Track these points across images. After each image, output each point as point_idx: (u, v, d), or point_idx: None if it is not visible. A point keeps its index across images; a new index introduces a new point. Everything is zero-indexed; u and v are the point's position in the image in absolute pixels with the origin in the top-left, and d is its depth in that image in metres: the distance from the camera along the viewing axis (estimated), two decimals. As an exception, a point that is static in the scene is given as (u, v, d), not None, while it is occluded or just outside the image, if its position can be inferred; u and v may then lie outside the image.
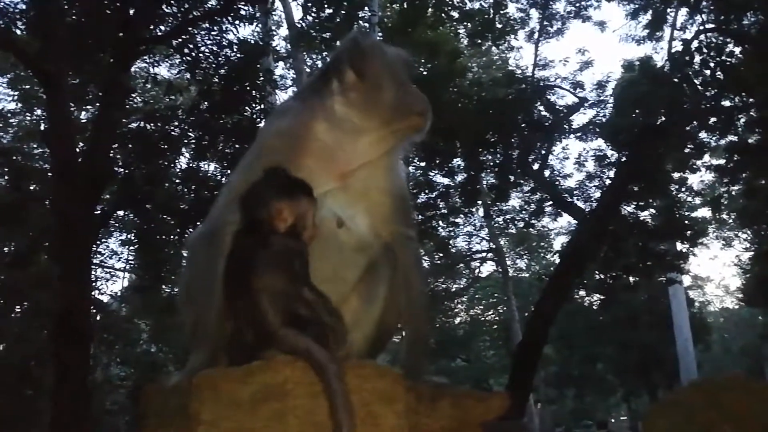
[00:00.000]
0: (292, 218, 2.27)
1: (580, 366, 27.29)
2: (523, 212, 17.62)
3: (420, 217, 15.80)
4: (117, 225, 15.90)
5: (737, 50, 12.40)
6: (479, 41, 15.53)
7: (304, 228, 2.30)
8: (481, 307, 30.37)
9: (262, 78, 11.52)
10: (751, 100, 12.75)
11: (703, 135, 14.16)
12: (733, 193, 16.91)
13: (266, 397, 1.96)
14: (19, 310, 16.25)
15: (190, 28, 11.11)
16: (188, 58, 11.29)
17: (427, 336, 2.72)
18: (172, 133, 12.17)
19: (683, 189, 16.39)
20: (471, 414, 2.28)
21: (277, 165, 2.36)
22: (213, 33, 11.18)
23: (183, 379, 2.15)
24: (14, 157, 13.35)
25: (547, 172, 15.30)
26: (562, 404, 32.84)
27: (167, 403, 2.12)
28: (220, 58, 11.17)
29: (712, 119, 13.41)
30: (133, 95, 12.82)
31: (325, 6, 11.79)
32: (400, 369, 2.26)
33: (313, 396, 1.97)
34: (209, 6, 11.23)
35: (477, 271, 26.31)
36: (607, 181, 14.65)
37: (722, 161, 15.08)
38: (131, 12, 10.16)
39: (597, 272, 15.38)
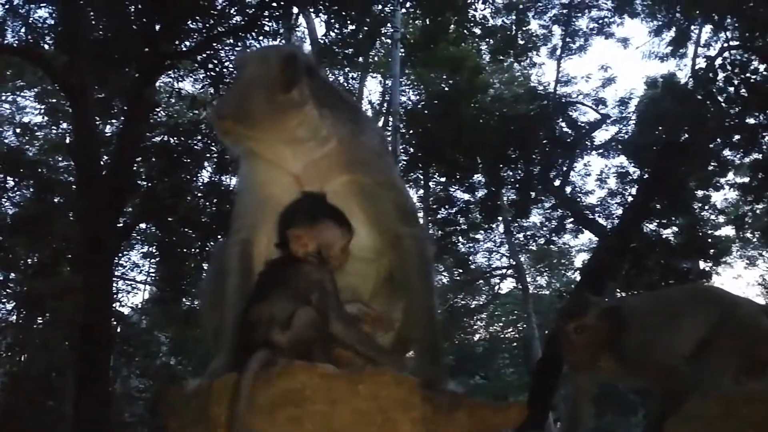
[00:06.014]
0: (314, 245, 2.21)
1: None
2: (544, 229, 17.55)
3: (440, 232, 15.77)
4: (139, 237, 15.98)
5: (762, 68, 12.32)
6: (501, 57, 15.56)
7: (329, 256, 2.24)
8: (501, 324, 30.06)
9: (284, 93, 11.53)
10: (775, 117, 12.63)
11: (726, 152, 13.98)
12: (758, 211, 16.68)
13: (284, 403, 1.98)
14: (41, 320, 16.39)
15: (214, 44, 11.24)
16: (212, 73, 11.40)
17: (437, 343, 2.50)
18: (195, 147, 12.28)
19: (706, 207, 16.18)
20: (488, 424, 2.26)
21: (316, 190, 2.33)
22: (237, 48, 11.30)
23: (204, 383, 2.17)
24: (39, 170, 13.53)
25: (568, 189, 15.19)
26: (582, 423, 32.40)
27: (188, 406, 2.15)
28: (243, 74, 11.22)
29: (736, 137, 13.24)
30: (157, 109, 12.96)
31: (348, 22, 11.85)
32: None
33: (331, 402, 1.99)
34: (233, 22, 11.34)
35: (497, 287, 26.13)
36: (629, 198, 14.53)
37: (746, 179, 14.88)
38: (156, 27, 10.29)
39: (618, 290, 15.19)
